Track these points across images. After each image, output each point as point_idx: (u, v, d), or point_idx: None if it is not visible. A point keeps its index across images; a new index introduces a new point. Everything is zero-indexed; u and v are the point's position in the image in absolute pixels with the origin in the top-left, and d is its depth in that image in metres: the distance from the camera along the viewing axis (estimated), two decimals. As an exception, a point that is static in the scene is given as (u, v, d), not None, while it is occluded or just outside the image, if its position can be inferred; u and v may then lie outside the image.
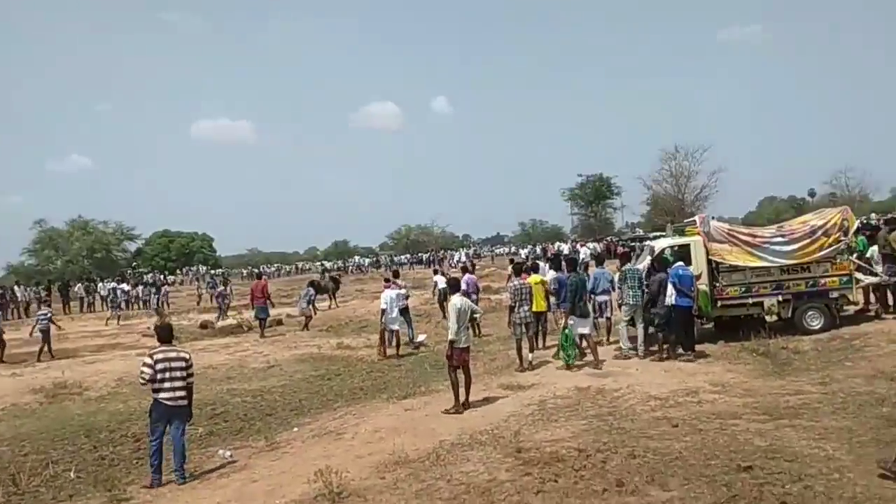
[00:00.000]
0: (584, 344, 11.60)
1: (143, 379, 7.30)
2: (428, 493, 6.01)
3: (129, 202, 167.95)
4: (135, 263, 73.91)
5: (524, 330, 11.52)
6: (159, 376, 7.21)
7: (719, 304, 12.68)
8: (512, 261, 21.04)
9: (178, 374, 7.31)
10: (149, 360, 7.30)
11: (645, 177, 53.97)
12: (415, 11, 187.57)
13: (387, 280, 16.77)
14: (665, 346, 11.49)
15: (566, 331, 11.47)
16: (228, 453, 8.07)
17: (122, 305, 29.89)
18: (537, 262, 15.20)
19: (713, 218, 14.59)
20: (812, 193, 69.24)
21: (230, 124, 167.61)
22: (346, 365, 13.65)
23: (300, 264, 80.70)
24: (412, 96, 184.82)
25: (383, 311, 14.54)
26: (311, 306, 21.73)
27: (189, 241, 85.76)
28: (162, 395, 7.22)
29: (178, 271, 72.71)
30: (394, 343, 14.66)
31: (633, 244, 43.01)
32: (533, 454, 6.84)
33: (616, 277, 12.52)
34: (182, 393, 7.31)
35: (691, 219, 13.71)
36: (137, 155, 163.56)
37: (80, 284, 40.24)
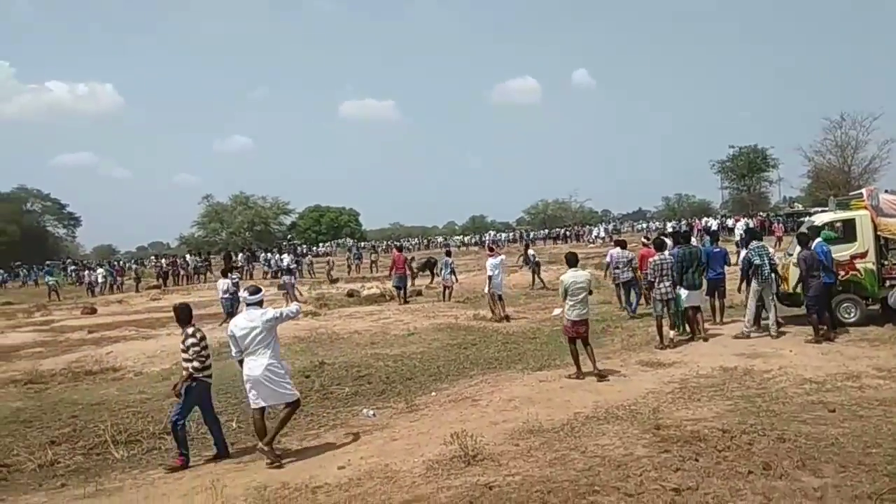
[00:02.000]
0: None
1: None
2: (561, 463, 6.03)
3: (284, 179, 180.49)
4: (290, 236, 79.19)
5: (665, 306, 11.12)
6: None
7: (888, 283, 11.52)
8: (647, 237, 20.21)
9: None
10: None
11: (805, 147, 49.76)
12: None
13: (490, 249, 18.74)
14: (821, 328, 10.71)
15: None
16: (372, 412, 8.54)
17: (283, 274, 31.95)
18: (663, 237, 14.62)
19: (885, 191, 13.22)
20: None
21: (376, 104, 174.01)
22: (482, 335, 13.87)
23: (439, 238, 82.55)
24: (552, 70, 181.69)
25: (490, 277, 15.88)
26: (452, 276, 21.81)
27: (338, 216, 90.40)
28: (206, 373, 7.18)
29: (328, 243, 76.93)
30: (499, 307, 15.88)
31: (789, 219, 39.92)
32: (672, 432, 6.64)
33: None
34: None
35: (857, 192, 12.48)
36: (291, 135, 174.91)
37: (241, 254, 43.80)
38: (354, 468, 6.43)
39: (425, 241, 78.72)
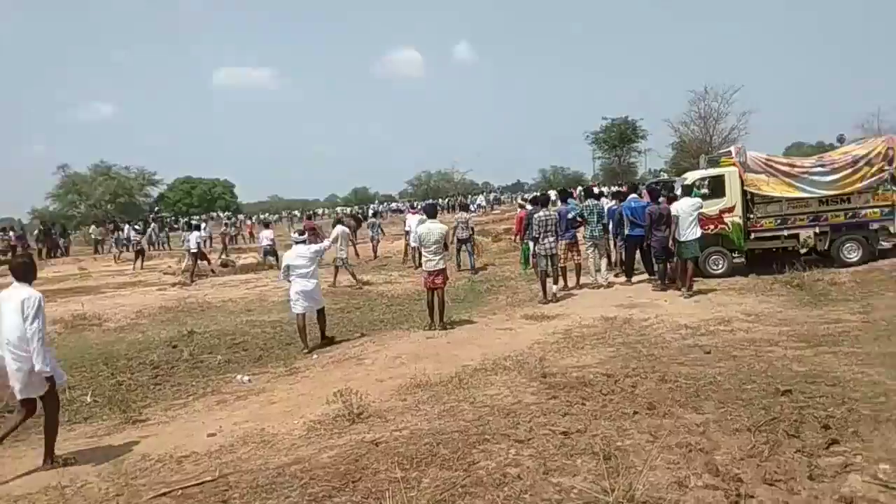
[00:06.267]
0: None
1: None
2: (451, 414, 5.77)
3: (151, 149, 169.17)
4: (157, 208, 74.33)
5: (549, 262, 11.17)
6: None
7: (752, 236, 12.21)
8: (525, 199, 20.78)
9: None
10: None
11: (673, 119, 52.45)
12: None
13: (413, 207, 21.41)
14: (661, 277, 11.59)
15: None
16: (247, 378, 7.94)
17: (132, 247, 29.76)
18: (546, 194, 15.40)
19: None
20: (841, 139, 66.44)
21: (251, 71, 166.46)
22: (366, 300, 13.45)
23: (320, 210, 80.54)
24: (434, 42, 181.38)
25: (407, 232, 18.31)
26: (381, 233, 24.40)
27: (211, 188, 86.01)
28: None
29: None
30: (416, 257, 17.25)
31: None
32: (559, 379, 6.58)
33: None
34: None
35: (726, 149, 13.11)
36: (159, 102, 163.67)
37: (93, 227, 40.20)
38: (226, 435, 5.87)
39: (308, 213, 76.57)
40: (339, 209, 71.59)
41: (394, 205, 72.65)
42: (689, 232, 10.90)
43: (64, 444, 5.78)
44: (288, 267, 9.52)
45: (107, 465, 5.30)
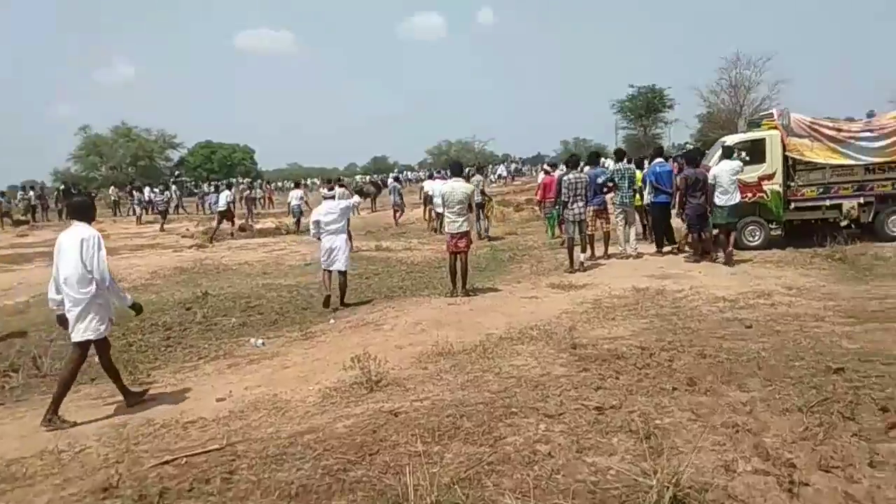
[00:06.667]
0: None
1: None
2: (475, 385, 5.39)
3: (172, 112, 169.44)
4: (178, 172, 74.37)
5: (577, 228, 10.68)
6: None
7: (792, 205, 11.58)
8: (550, 165, 20.12)
9: None
10: None
11: (702, 88, 50.84)
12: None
13: (430, 175, 22.41)
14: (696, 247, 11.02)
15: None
16: (261, 342, 7.63)
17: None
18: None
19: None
20: (871, 114, 64.47)
21: (272, 34, 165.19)
22: (385, 265, 13.09)
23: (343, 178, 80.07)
24: (457, 5, 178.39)
25: (429, 197, 18.81)
26: (401, 199, 24.08)
27: (231, 153, 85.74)
28: None
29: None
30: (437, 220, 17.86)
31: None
32: (590, 351, 6.18)
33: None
34: None
35: (767, 112, 12.41)
36: (181, 64, 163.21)
37: (120, 191, 40.28)
38: (237, 400, 5.55)
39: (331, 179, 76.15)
40: (357, 177, 71.16)
41: (411, 174, 72.06)
42: (729, 197, 10.34)
43: (67, 405, 5.48)
44: (318, 223, 9.35)
45: (108, 429, 5.00)
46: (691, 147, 49.23)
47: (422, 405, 4.98)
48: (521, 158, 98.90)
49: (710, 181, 10.52)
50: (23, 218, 32.48)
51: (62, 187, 37.86)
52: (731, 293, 8.34)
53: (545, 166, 19.99)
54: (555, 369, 5.71)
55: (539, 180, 18.84)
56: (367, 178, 32.09)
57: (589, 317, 7.62)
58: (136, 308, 5.83)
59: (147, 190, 34.25)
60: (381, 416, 4.75)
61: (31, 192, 34.18)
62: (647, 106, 61.60)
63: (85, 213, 5.53)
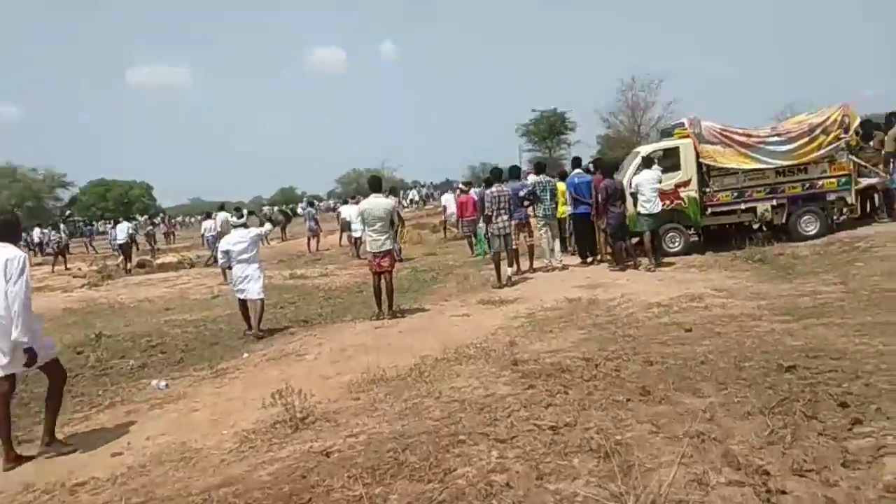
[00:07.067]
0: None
1: None
2: (415, 413, 4.83)
3: (63, 151, 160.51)
4: (69, 212, 70.02)
5: (503, 243, 10.34)
6: None
7: (709, 211, 11.74)
8: (463, 185, 19.99)
9: None
10: None
11: (602, 110, 52.72)
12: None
13: (345, 201, 22.44)
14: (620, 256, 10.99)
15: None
16: (164, 383, 6.74)
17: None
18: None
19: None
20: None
21: (168, 69, 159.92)
22: (300, 293, 12.32)
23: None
24: (358, 40, 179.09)
25: (348, 222, 18.12)
26: (317, 225, 23.29)
27: (128, 190, 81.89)
28: None
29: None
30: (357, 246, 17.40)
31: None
32: (532, 366, 5.75)
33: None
34: None
35: (679, 121, 12.61)
36: (70, 102, 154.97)
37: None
38: (137, 453, 4.74)
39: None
40: (266, 208, 69.18)
41: (322, 204, 70.79)
42: (652, 206, 10.37)
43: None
44: (228, 252, 8.98)
45: (-26, 503, 4.10)
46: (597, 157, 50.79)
47: (357, 441, 4.37)
48: (431, 183, 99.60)
49: (631, 191, 10.53)
50: None
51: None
52: (662, 298, 8.18)
53: (461, 185, 19.77)
54: (499, 389, 5.25)
55: (443, 202, 21.03)
56: (275, 208, 31.06)
57: (526, 331, 7.22)
58: (30, 355, 4.77)
59: (37, 231, 31.79)
60: (311, 458, 4.11)
61: None
62: (549, 129, 63.42)
63: (8, 233, 4.96)
